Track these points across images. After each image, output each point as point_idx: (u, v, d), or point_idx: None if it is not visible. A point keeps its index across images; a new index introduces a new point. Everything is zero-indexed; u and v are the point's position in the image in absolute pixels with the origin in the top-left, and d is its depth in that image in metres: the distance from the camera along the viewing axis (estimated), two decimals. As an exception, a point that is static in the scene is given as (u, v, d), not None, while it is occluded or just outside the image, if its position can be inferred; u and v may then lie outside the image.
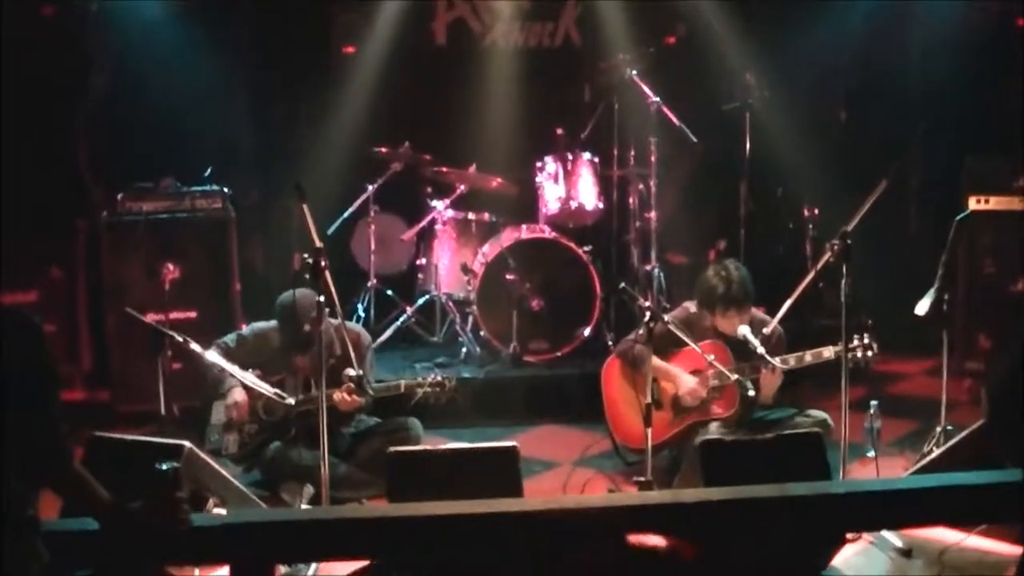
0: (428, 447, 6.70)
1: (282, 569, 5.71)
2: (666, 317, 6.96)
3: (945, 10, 10.15)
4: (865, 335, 6.81)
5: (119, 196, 8.78)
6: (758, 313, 7.30)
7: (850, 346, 6.68)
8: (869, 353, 6.79)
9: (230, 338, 7.29)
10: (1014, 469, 3.77)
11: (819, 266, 6.68)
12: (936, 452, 6.58)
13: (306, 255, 5.97)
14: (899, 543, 6.04)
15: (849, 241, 6.18)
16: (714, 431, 6.95)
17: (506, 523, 4.50)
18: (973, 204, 8.71)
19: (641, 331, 6.71)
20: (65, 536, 4.07)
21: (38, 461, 3.60)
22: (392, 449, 5.65)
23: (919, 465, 6.52)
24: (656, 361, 6.96)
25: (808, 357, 6.95)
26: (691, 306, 7.40)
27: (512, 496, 5.30)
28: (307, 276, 5.96)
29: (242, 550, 4.20)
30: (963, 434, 6.18)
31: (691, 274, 10.36)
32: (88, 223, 9.22)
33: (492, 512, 4.53)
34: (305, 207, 5.96)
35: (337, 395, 6.78)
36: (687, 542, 4.31)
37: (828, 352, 6.79)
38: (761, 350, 6.84)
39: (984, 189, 8.81)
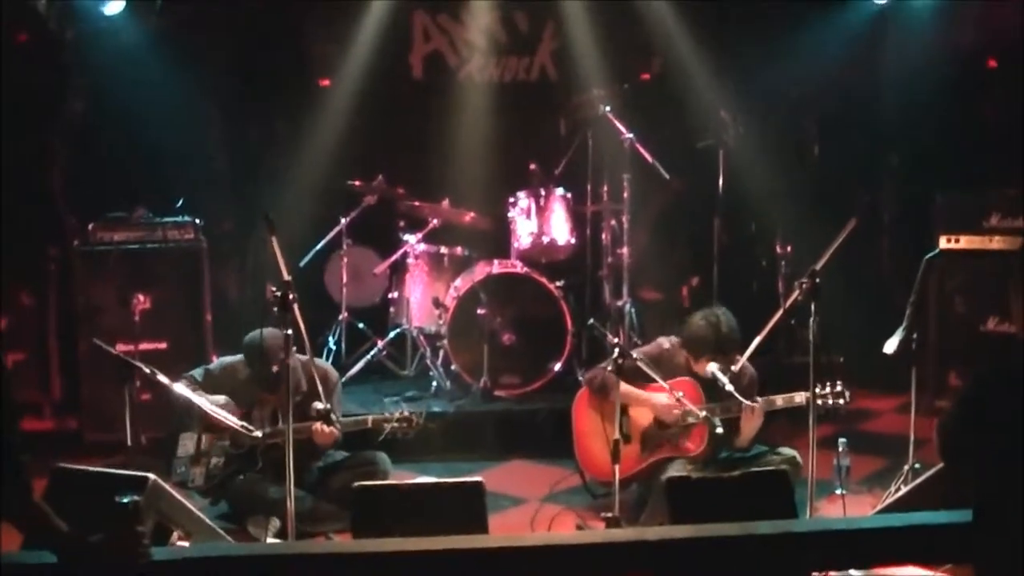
0: (393, 482, 6.72)
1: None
2: (634, 353, 6.95)
3: (917, 46, 10.20)
4: (838, 383, 6.82)
5: (91, 225, 8.76)
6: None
7: (822, 392, 6.72)
8: (841, 401, 6.81)
9: (197, 372, 7.28)
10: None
11: (787, 304, 6.73)
12: (903, 490, 6.59)
13: (274, 288, 5.96)
14: (864, 581, 6.04)
15: (818, 280, 6.19)
16: (682, 467, 6.95)
17: (470, 560, 4.47)
18: (943, 243, 8.76)
19: (609, 367, 6.73)
20: (24, 569, 4.04)
21: None
22: (357, 484, 5.62)
23: (885, 503, 6.52)
24: (626, 387, 6.97)
25: (780, 402, 6.98)
26: (665, 342, 7.41)
27: (477, 532, 5.29)
28: (275, 310, 5.95)
29: (203, 584, 4.17)
30: (930, 472, 6.17)
31: (664, 310, 10.44)
32: (60, 250, 9.19)
33: (456, 549, 4.51)
34: (274, 239, 5.93)
35: (316, 427, 6.76)
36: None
37: (800, 398, 6.80)
38: (730, 387, 6.85)
39: (955, 227, 8.86)
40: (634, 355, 6.88)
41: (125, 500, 3.85)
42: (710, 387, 7.03)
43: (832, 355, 9.42)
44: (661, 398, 7.09)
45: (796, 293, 6.36)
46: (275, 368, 6.64)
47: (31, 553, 4.02)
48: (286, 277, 5.91)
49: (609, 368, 6.77)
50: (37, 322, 9.21)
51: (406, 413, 7.08)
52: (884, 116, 10.80)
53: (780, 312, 6.88)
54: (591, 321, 7.31)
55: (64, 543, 3.76)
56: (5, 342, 8.95)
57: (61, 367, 9.24)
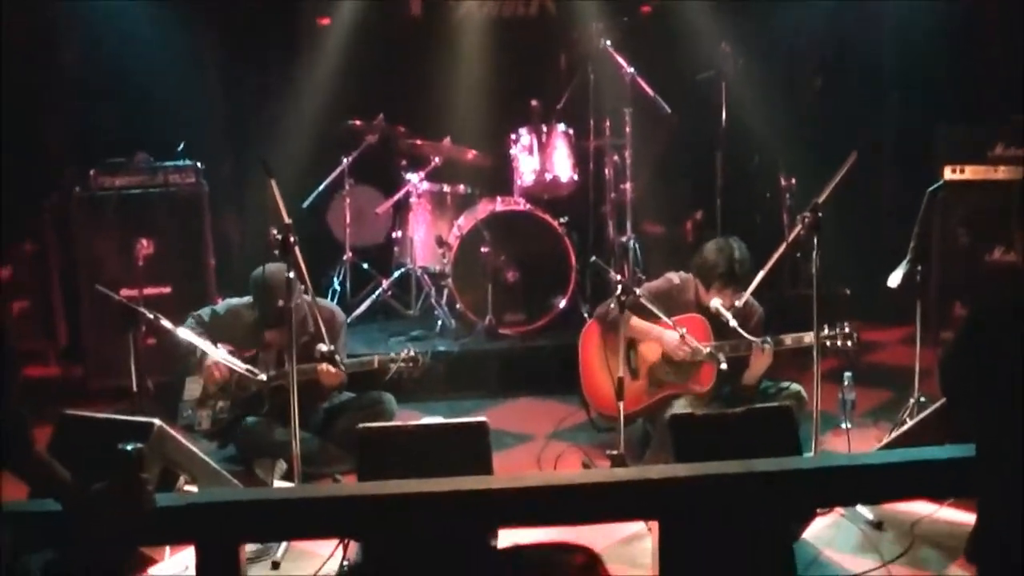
0: (398, 423, 6.73)
1: (252, 547, 5.71)
2: (638, 290, 6.93)
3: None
4: (846, 325, 6.80)
5: (91, 171, 8.73)
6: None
7: (831, 334, 6.71)
8: (849, 343, 6.78)
9: (205, 311, 7.31)
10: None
11: (790, 238, 6.70)
12: (907, 425, 6.60)
13: (275, 231, 5.94)
14: (870, 516, 6.05)
15: (820, 213, 6.16)
16: (687, 404, 6.95)
17: (473, 501, 4.50)
18: (948, 174, 8.69)
19: (612, 304, 6.72)
20: (29, 517, 4.07)
21: None
22: (361, 425, 5.63)
23: (890, 438, 6.54)
24: (637, 321, 6.96)
25: (788, 341, 6.93)
26: (674, 277, 7.37)
27: (481, 472, 5.30)
28: (276, 252, 5.94)
29: (208, 529, 4.20)
30: (934, 406, 6.20)
31: (668, 245, 10.43)
32: (60, 198, 9.16)
33: (460, 490, 4.53)
34: (273, 183, 5.92)
35: (322, 367, 6.77)
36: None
37: (808, 338, 6.71)
38: (733, 323, 6.82)
39: (959, 158, 8.79)
40: (637, 291, 6.86)
41: (128, 448, 3.84)
42: (719, 324, 7.00)
43: (838, 288, 9.43)
44: (672, 335, 7.05)
45: (798, 227, 6.32)
46: (280, 303, 6.61)
47: (36, 502, 4.04)
48: (286, 220, 5.90)
49: (612, 305, 6.76)
50: (40, 270, 9.18)
51: (412, 353, 7.07)
52: (886, 47, 10.70)
53: (783, 247, 6.84)
54: (593, 258, 7.30)
55: (67, 492, 3.76)
56: (9, 291, 8.95)
57: (66, 314, 9.24)
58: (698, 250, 7.30)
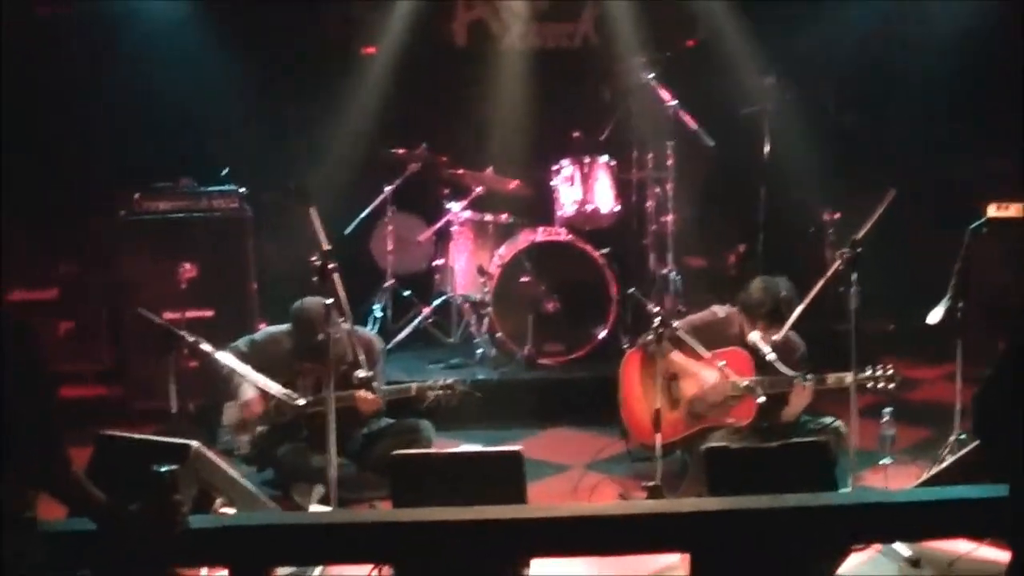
0: (432, 451, 6.74)
1: (287, 571, 5.73)
2: (678, 323, 6.93)
3: (966, 11, 10.04)
4: (889, 367, 6.76)
5: (136, 195, 8.83)
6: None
7: (872, 375, 6.69)
8: (891, 385, 6.75)
9: (243, 342, 7.34)
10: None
11: (828, 275, 6.67)
12: (946, 462, 6.55)
13: (314, 258, 5.99)
14: (907, 552, 6.01)
15: (859, 249, 6.15)
16: (725, 437, 6.93)
17: (506, 530, 4.50)
18: (993, 211, 8.65)
19: (650, 337, 6.73)
20: (67, 537, 4.10)
21: (33, 466, 3.62)
22: (395, 453, 5.64)
23: (929, 475, 6.49)
24: (680, 356, 6.96)
25: (830, 380, 6.88)
26: (719, 311, 7.37)
27: (515, 501, 5.30)
28: (315, 279, 5.99)
29: (241, 552, 4.21)
30: (973, 444, 6.14)
31: (709, 277, 10.41)
32: (107, 221, 9.26)
33: (493, 519, 4.53)
34: (312, 210, 5.97)
35: (360, 394, 6.80)
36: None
37: (849, 379, 6.70)
38: (771, 356, 6.80)
39: (1002, 196, 8.73)
40: (676, 324, 6.86)
41: (163, 470, 3.88)
42: (763, 359, 6.98)
43: (882, 324, 9.38)
44: (712, 376, 7.06)
45: (837, 262, 6.32)
46: (320, 337, 6.65)
47: (72, 521, 4.07)
48: (325, 246, 5.95)
49: (649, 337, 6.76)
50: (86, 292, 9.28)
51: (449, 381, 7.11)
52: (933, 83, 10.65)
53: (821, 282, 6.81)
54: (632, 290, 7.31)
55: (102, 513, 3.80)
56: (56, 312, 9.05)
57: (109, 336, 9.32)
58: (744, 287, 7.28)
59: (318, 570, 5.86)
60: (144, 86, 9.60)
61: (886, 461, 7.03)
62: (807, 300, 6.87)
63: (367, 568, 5.56)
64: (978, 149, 9.50)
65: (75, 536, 4.10)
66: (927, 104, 10.65)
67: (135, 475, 3.92)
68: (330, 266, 5.90)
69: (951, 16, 10.12)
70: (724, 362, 6.88)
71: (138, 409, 8.57)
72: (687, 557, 4.84)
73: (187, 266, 8.56)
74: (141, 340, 8.52)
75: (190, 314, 8.36)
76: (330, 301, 6.00)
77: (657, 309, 6.90)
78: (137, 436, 6.02)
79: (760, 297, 7.04)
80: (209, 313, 8.78)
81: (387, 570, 5.50)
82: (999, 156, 9.10)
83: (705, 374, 7.08)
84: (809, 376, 6.87)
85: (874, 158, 10.45)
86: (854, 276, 6.15)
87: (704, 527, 4.29)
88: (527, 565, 5.41)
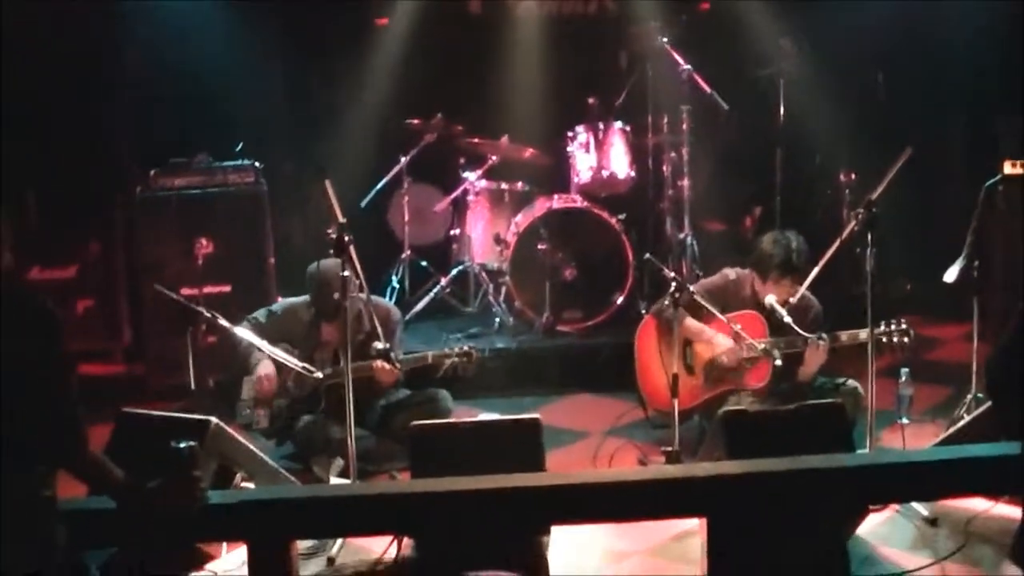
0: (450, 420, 6.77)
1: (307, 544, 5.78)
2: (692, 287, 6.93)
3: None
4: (902, 321, 6.77)
5: (152, 172, 8.85)
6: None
7: (886, 330, 6.69)
8: (905, 339, 6.75)
9: (260, 313, 7.36)
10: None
11: (844, 235, 6.65)
12: (962, 422, 6.54)
13: (330, 231, 6.01)
14: (925, 512, 6.01)
15: (875, 210, 6.13)
16: (742, 400, 6.95)
17: (524, 498, 4.52)
18: (1008, 168, 8.56)
19: (667, 302, 6.73)
20: (85, 515, 4.14)
21: (52, 446, 3.65)
22: (413, 424, 5.68)
23: (946, 434, 6.49)
24: (692, 322, 6.98)
25: (844, 338, 6.89)
26: (731, 273, 7.37)
27: (534, 468, 5.33)
28: (331, 252, 6.01)
29: (259, 526, 4.25)
30: (989, 403, 6.13)
31: (726, 242, 10.39)
32: (125, 198, 9.30)
33: (510, 487, 4.56)
34: (328, 183, 5.98)
35: (378, 363, 6.82)
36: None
37: (864, 334, 6.67)
38: (788, 319, 6.80)
39: (1020, 153, 8.66)
40: (692, 288, 6.86)
41: (181, 446, 3.92)
42: (775, 320, 6.98)
43: (901, 284, 9.36)
44: (724, 339, 7.07)
45: (852, 224, 6.30)
46: (336, 295, 6.65)
47: (92, 499, 4.11)
48: (341, 219, 5.96)
49: (667, 302, 6.77)
50: (105, 270, 9.30)
51: (465, 348, 7.12)
52: (951, 41, 10.57)
53: (837, 243, 6.79)
54: (648, 256, 7.29)
55: (121, 490, 3.84)
56: (75, 290, 9.10)
57: (130, 314, 9.38)
58: (756, 243, 7.29)
59: (338, 543, 5.89)
60: (159, 61, 9.60)
61: (903, 421, 7.04)
62: (823, 261, 6.84)
63: (386, 540, 5.65)
64: (1004, 107, 9.39)
65: (94, 514, 4.14)
66: (952, 63, 10.58)
67: (155, 452, 3.96)
68: (346, 239, 5.91)
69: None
70: (739, 325, 6.87)
71: (159, 386, 8.61)
72: (704, 521, 4.88)
73: (203, 242, 8.54)
74: (160, 317, 8.57)
75: (207, 290, 8.37)
76: (347, 274, 6.01)
77: (673, 274, 6.89)
78: (157, 413, 6.08)
79: (771, 250, 7.04)
80: (226, 288, 8.78)
81: (407, 541, 5.57)
82: (1019, 114, 9.00)
83: (719, 339, 7.09)
84: (823, 335, 6.87)
85: (893, 117, 10.36)
86: (870, 237, 6.11)
87: (721, 491, 4.31)
88: (547, 532, 5.46)
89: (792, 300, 6.94)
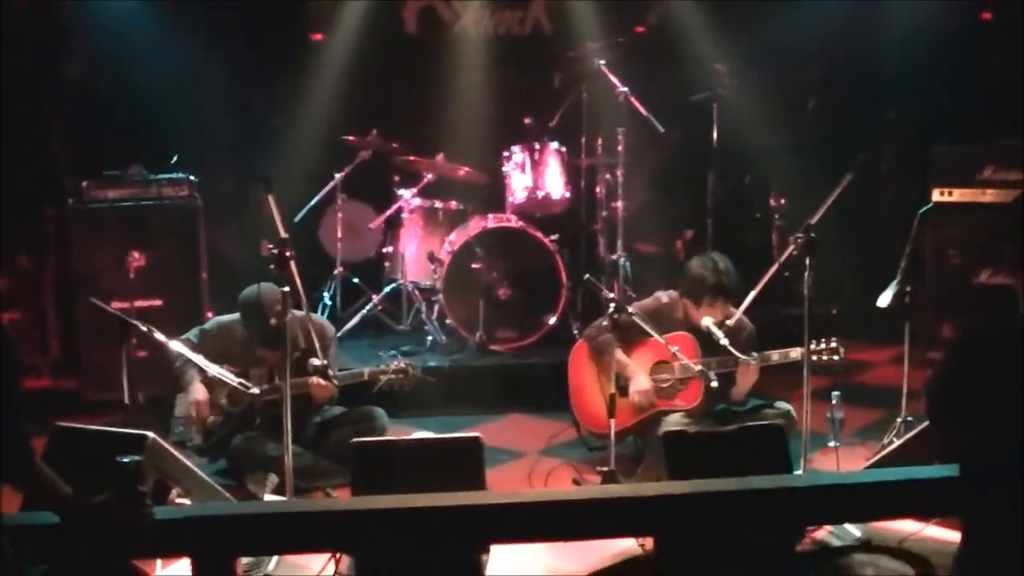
0: (392, 438, 6.74)
1: (244, 560, 5.72)
2: (631, 308, 6.98)
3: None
4: (832, 340, 6.85)
5: (85, 183, 8.75)
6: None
7: (817, 348, 6.77)
8: (835, 357, 6.84)
9: (192, 333, 7.29)
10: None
11: (783, 259, 6.73)
12: (895, 444, 6.63)
13: (271, 245, 5.96)
14: (858, 533, 6.07)
15: (813, 235, 6.21)
16: (677, 421, 6.99)
17: (469, 517, 4.51)
18: (937, 196, 8.74)
19: (605, 322, 6.76)
20: (24, 531, 4.07)
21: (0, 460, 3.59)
22: (355, 440, 5.66)
23: (878, 457, 6.57)
24: (618, 355, 7.01)
25: (775, 357, 6.98)
26: (663, 296, 7.42)
27: (475, 487, 5.34)
28: (272, 267, 5.96)
29: (204, 543, 4.20)
30: (921, 427, 6.22)
31: (659, 264, 10.46)
32: (58, 211, 9.18)
33: (455, 506, 4.54)
34: (271, 198, 5.94)
35: (313, 380, 6.78)
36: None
37: (795, 353, 6.82)
38: (725, 341, 6.86)
39: (952, 180, 8.82)
40: (630, 310, 6.91)
41: (127, 460, 3.86)
42: (707, 341, 7.04)
43: (827, 306, 9.48)
44: (642, 383, 7.15)
45: (791, 247, 6.38)
46: (273, 322, 6.64)
47: (35, 514, 4.04)
48: (283, 234, 5.92)
49: (605, 323, 6.80)
50: (34, 282, 9.20)
51: (401, 365, 7.09)
52: (881, 68, 10.76)
53: (775, 266, 6.87)
54: (587, 276, 7.34)
55: (68, 505, 3.78)
56: (2, 303, 8.95)
57: (59, 327, 9.25)
58: (684, 268, 7.35)
59: (275, 560, 5.84)
60: (94, 73, 9.51)
61: (833, 444, 7.14)
62: (762, 283, 6.92)
63: (323, 558, 5.61)
64: (933, 134, 9.57)
65: (37, 529, 4.07)
66: (882, 88, 10.76)
67: (91, 466, 3.90)
68: (287, 254, 5.87)
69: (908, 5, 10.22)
70: (677, 347, 6.91)
71: (90, 400, 8.52)
72: (648, 540, 4.90)
73: (136, 255, 8.49)
74: (93, 330, 8.47)
75: (139, 303, 8.32)
76: (286, 289, 5.97)
77: (612, 295, 6.94)
78: (92, 427, 5.99)
79: (701, 272, 7.11)
80: (158, 302, 8.70)
81: (344, 558, 5.54)
82: (954, 142, 9.16)
83: (639, 379, 7.17)
84: (755, 354, 6.94)
85: (824, 143, 10.51)
86: (808, 260, 6.18)
87: (671, 510, 4.32)
88: (486, 551, 5.46)
89: (730, 322, 7.01)
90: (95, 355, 8.52)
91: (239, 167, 10.29)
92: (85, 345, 8.72)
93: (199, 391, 7.00)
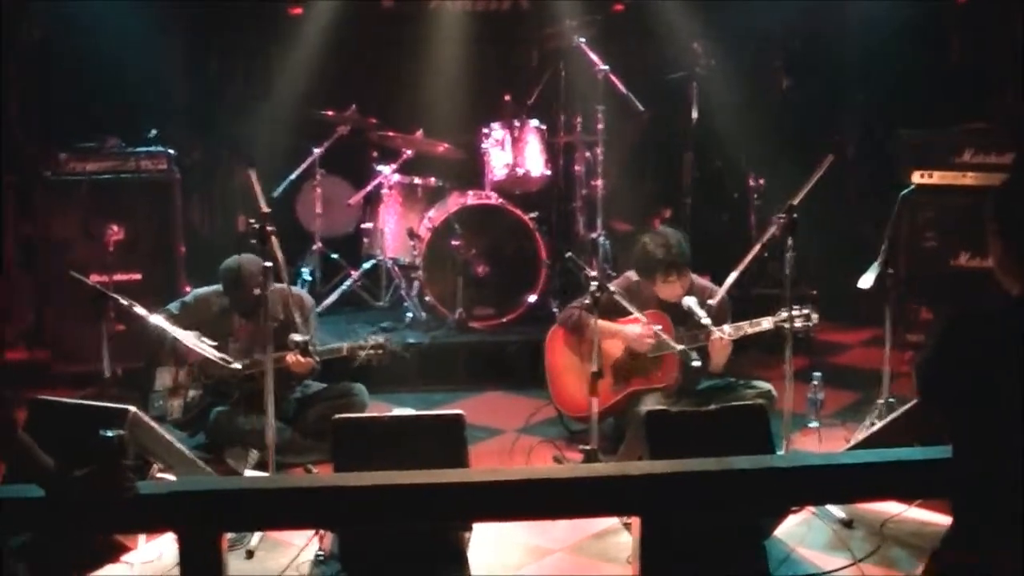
0: (373, 414, 6.73)
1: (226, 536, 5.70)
2: (611, 287, 6.97)
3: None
4: (804, 306, 6.84)
5: (61, 155, 8.65)
6: (702, 281, 7.32)
7: (790, 314, 6.74)
8: (809, 323, 6.82)
9: (174, 305, 7.27)
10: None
11: (764, 239, 6.74)
12: (877, 425, 6.65)
13: (252, 220, 5.93)
14: (841, 514, 6.10)
15: (795, 215, 6.22)
16: (655, 400, 6.99)
17: (451, 494, 4.49)
18: (918, 178, 8.74)
19: (587, 301, 6.76)
20: (11, 504, 4.04)
21: None
22: (337, 416, 5.64)
23: (860, 438, 6.59)
24: (603, 323, 7.00)
25: (747, 327, 6.97)
26: (633, 275, 7.42)
27: (457, 464, 5.33)
28: (253, 242, 5.94)
29: (191, 518, 4.17)
30: (903, 408, 6.24)
31: (635, 242, 10.43)
32: (19, 179, 9.08)
33: (438, 483, 4.53)
34: (253, 173, 5.91)
35: (291, 357, 6.75)
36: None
37: (767, 322, 6.83)
38: (707, 321, 6.85)
39: (923, 163, 8.84)
40: (611, 289, 6.90)
41: (110, 434, 3.83)
42: (679, 316, 7.04)
43: (804, 287, 9.50)
44: (633, 329, 7.12)
45: (773, 228, 6.38)
46: (256, 292, 6.58)
47: (18, 487, 4.01)
48: (265, 209, 5.89)
49: (587, 301, 6.79)
50: (9, 253, 9.09)
51: (380, 340, 7.06)
52: (852, 49, 10.77)
53: (757, 246, 6.88)
54: (569, 254, 7.31)
55: (51, 478, 3.75)
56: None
57: (32, 299, 9.16)
58: (633, 253, 7.36)
59: (257, 536, 5.83)
60: (71, 45, 9.38)
61: (814, 425, 7.17)
62: (742, 265, 6.92)
63: (306, 534, 5.61)
64: (899, 118, 9.59)
65: (20, 503, 4.03)
66: (852, 72, 10.78)
67: (70, 440, 3.87)
68: (268, 229, 5.84)
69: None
70: (660, 326, 6.91)
71: (61, 373, 8.43)
72: (634, 520, 4.90)
73: (114, 228, 8.43)
74: (67, 303, 8.38)
75: (117, 277, 8.23)
76: (268, 264, 5.95)
77: (594, 273, 6.93)
78: (72, 401, 5.96)
79: (652, 249, 7.11)
80: (136, 276, 8.64)
81: (328, 534, 5.54)
82: (920, 125, 9.18)
83: (629, 329, 7.14)
84: (726, 327, 6.94)
85: (799, 124, 10.52)
86: (789, 241, 6.19)
87: (653, 490, 4.31)
88: (469, 528, 5.46)
89: (712, 302, 7.01)
90: (65, 327, 8.46)
91: (211, 140, 10.20)
92: (57, 318, 8.66)
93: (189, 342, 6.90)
